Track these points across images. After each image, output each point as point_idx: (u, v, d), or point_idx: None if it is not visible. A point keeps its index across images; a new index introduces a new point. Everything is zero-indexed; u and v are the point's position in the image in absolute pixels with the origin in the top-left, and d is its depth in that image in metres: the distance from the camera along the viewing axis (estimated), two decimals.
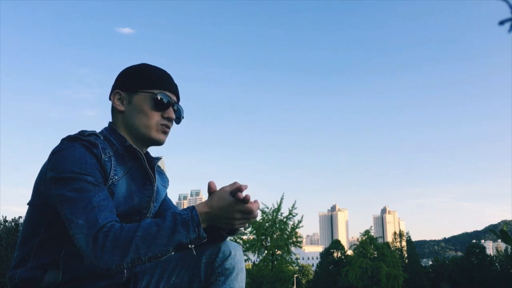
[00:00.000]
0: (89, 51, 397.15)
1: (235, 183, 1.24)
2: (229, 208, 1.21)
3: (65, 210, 1.19)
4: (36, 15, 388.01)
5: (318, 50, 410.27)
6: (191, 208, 1.20)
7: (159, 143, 1.42)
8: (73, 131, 1.33)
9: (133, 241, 1.13)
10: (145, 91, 1.38)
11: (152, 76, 1.40)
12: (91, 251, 1.13)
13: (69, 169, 1.21)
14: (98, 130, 1.39)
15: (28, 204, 1.34)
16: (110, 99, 1.42)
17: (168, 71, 1.48)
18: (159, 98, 1.38)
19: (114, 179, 1.29)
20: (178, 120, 1.49)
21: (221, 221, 1.23)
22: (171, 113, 1.41)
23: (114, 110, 1.42)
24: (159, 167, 1.57)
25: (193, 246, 1.23)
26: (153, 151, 1.52)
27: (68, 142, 1.26)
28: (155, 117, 1.38)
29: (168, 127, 1.42)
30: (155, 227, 1.16)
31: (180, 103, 1.49)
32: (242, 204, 1.21)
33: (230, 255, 1.37)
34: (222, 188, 1.25)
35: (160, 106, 1.38)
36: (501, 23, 0.60)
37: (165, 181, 1.59)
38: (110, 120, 1.45)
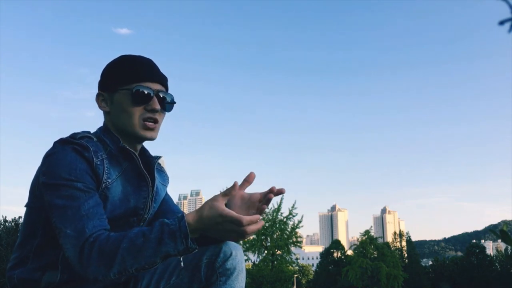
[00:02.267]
0: (88, 51, 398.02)
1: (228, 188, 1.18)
2: (219, 218, 1.11)
3: (55, 219, 1.18)
4: (35, 15, 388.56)
5: (318, 50, 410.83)
6: (180, 218, 1.12)
7: (147, 139, 1.38)
8: (73, 131, 1.31)
9: (118, 252, 1.10)
10: (123, 88, 1.33)
11: (127, 71, 1.35)
12: (78, 262, 1.13)
13: (59, 175, 1.19)
14: (95, 130, 1.38)
15: (25, 206, 1.33)
16: (95, 101, 1.39)
17: (166, 71, 1.43)
18: (137, 91, 1.32)
19: (107, 182, 1.27)
20: (170, 106, 1.41)
21: (213, 233, 1.15)
22: (154, 104, 1.33)
23: (103, 111, 1.40)
24: (159, 164, 1.55)
25: (181, 257, 1.20)
26: (153, 151, 1.49)
27: (60, 145, 1.24)
28: (138, 113, 1.33)
29: (154, 120, 1.35)
30: (141, 238, 1.11)
31: (179, 99, 1.44)
32: (231, 215, 1.10)
33: (231, 255, 1.36)
34: (214, 196, 1.16)
35: (140, 100, 1.32)
36: (501, 23, 0.60)
37: (164, 179, 1.57)
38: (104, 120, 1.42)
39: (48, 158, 1.23)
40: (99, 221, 1.18)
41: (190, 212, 1.15)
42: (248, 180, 1.27)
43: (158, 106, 1.35)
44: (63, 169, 1.20)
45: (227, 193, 1.16)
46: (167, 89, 1.42)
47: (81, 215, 1.16)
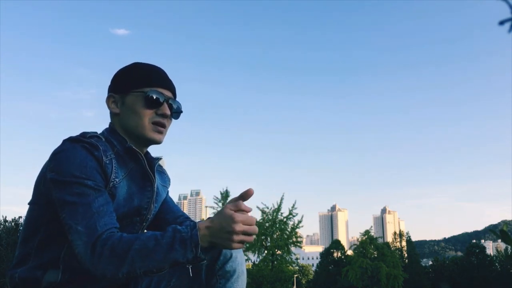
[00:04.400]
0: (86, 52, 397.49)
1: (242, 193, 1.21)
2: (229, 219, 1.13)
3: (65, 215, 1.19)
4: (33, 16, 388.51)
5: (318, 50, 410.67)
6: (193, 226, 1.15)
7: (155, 142, 1.40)
8: (72, 131, 1.32)
9: (129, 253, 1.12)
10: (136, 91, 1.37)
11: (142, 75, 1.39)
12: (88, 259, 1.14)
13: (69, 172, 1.20)
14: (97, 130, 1.39)
15: (29, 203, 1.34)
16: (106, 102, 1.42)
17: (165, 71, 1.46)
18: (150, 96, 1.36)
19: (115, 182, 1.29)
20: (177, 115, 1.46)
21: (222, 235, 1.15)
22: (165, 110, 1.38)
23: (111, 113, 1.43)
24: (160, 166, 1.57)
25: (190, 266, 1.21)
26: (153, 151, 1.48)
27: (70, 143, 1.26)
28: (148, 116, 1.37)
29: (163, 125, 1.39)
30: (153, 241, 1.13)
31: (178, 99, 1.47)
32: (242, 213, 1.15)
33: (231, 257, 1.36)
34: (225, 205, 1.19)
35: (152, 104, 1.36)
36: (501, 23, 0.60)
37: (165, 180, 1.58)
38: (111, 121, 1.44)
39: (58, 155, 1.24)
40: (110, 219, 1.19)
41: (202, 221, 1.18)
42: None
43: (168, 112, 1.39)
44: (74, 166, 1.21)
45: (238, 199, 1.18)
46: (175, 97, 1.46)
47: (92, 212, 1.17)
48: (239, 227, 1.13)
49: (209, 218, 1.19)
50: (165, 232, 1.15)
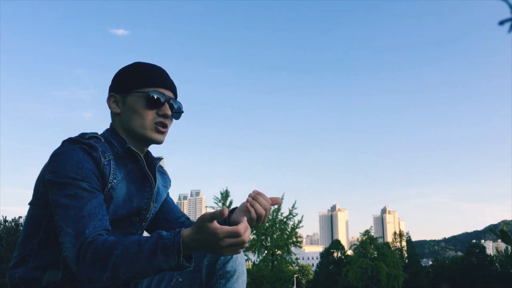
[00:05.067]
0: (84, 52, 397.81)
1: (216, 211, 1.09)
2: (213, 236, 1.06)
3: (57, 217, 1.20)
4: (32, 16, 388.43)
5: (319, 50, 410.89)
6: (176, 233, 1.09)
7: (156, 142, 1.41)
8: (70, 131, 1.33)
9: (111, 259, 1.11)
10: (138, 91, 1.37)
11: (143, 75, 1.40)
12: (74, 262, 1.15)
13: (65, 174, 1.21)
14: (95, 130, 1.39)
15: (29, 204, 1.34)
16: (107, 102, 1.43)
17: (166, 71, 1.46)
18: (151, 96, 1.36)
19: (113, 183, 1.30)
20: (178, 115, 1.47)
21: (208, 249, 1.10)
22: (166, 110, 1.39)
23: (111, 113, 1.43)
24: (161, 167, 1.57)
25: (175, 272, 1.20)
26: (153, 151, 1.50)
27: (69, 144, 1.27)
28: (150, 116, 1.37)
29: (165, 125, 1.40)
30: (136, 247, 1.10)
31: (178, 99, 1.47)
32: (227, 229, 1.06)
33: (231, 257, 1.36)
34: (202, 216, 1.10)
35: (154, 104, 1.37)
36: (501, 23, 0.60)
37: (166, 181, 1.59)
38: (111, 121, 1.45)
39: (56, 156, 1.25)
40: (100, 222, 1.19)
41: (188, 228, 1.11)
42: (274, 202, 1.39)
43: (169, 112, 1.40)
44: (70, 168, 1.22)
45: (215, 217, 1.08)
46: (176, 97, 1.46)
47: (83, 215, 1.18)
48: (224, 242, 1.07)
49: (193, 228, 1.10)
50: (148, 238, 1.12)
